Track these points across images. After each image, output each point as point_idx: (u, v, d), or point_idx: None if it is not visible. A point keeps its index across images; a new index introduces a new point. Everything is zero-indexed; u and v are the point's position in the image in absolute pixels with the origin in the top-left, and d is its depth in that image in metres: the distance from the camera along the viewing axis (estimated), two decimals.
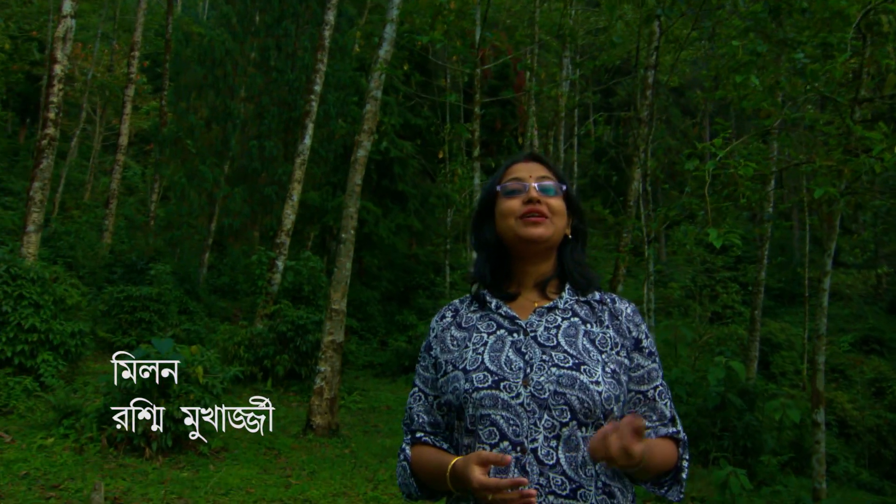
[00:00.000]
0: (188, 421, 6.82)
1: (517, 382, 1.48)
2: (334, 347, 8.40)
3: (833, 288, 18.85)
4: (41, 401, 7.70)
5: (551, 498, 1.41)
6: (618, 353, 1.55)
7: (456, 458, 1.47)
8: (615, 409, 1.48)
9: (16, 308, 8.35)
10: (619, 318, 1.61)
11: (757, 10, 5.89)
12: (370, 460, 7.50)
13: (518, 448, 1.44)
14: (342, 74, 14.34)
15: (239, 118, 13.97)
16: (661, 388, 1.60)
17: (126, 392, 6.78)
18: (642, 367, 1.58)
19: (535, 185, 1.61)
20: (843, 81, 6.20)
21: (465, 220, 16.64)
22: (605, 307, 1.63)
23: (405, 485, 1.63)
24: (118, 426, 6.69)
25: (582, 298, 1.63)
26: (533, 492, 1.36)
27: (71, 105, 26.64)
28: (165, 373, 6.74)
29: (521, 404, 1.46)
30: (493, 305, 1.63)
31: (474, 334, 1.60)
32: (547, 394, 1.45)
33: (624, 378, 1.54)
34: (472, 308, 1.68)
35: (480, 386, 1.49)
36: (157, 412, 6.70)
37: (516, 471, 1.42)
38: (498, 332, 1.58)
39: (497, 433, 1.46)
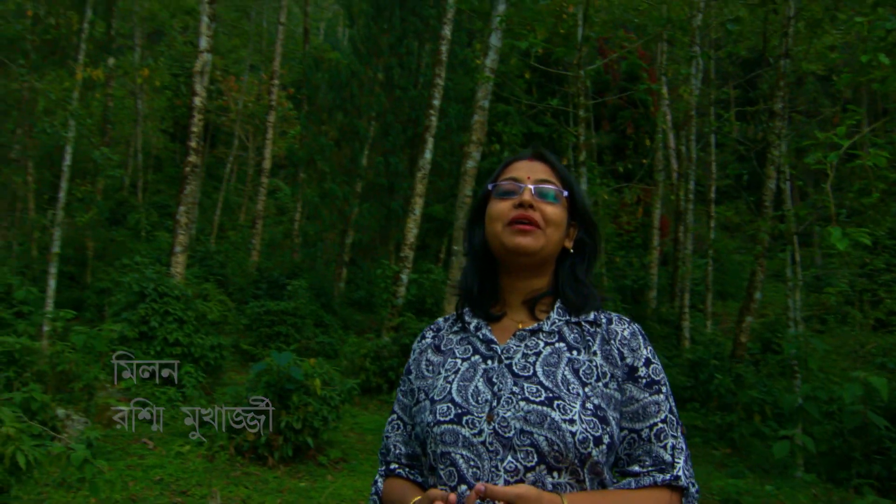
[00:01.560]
0: (307, 432, 7.10)
1: (481, 417, 1.30)
2: None
3: None
4: (182, 410, 8.27)
5: None
6: (605, 386, 1.33)
7: (416, 498, 1.33)
8: (594, 452, 1.26)
9: (162, 323, 9.09)
10: (612, 342, 1.38)
11: None
12: None
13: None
14: (463, 88, 14.48)
15: (367, 137, 14.45)
16: (660, 425, 1.33)
17: (251, 403, 7.16)
18: (637, 400, 1.35)
19: (532, 187, 1.41)
20: None
21: None
22: (597, 329, 1.40)
23: None
24: (244, 436, 7.08)
25: (573, 320, 1.41)
26: None
27: (226, 133, 28.92)
28: (285, 385, 7.07)
29: (483, 443, 1.28)
30: (472, 326, 1.45)
31: (449, 359, 1.44)
32: (512, 432, 1.26)
33: (613, 415, 1.32)
34: (455, 328, 1.51)
35: (442, 419, 1.33)
36: (278, 423, 7.01)
37: None
38: (472, 359, 1.40)
39: (456, 475, 1.29)
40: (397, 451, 1.50)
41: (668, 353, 11.88)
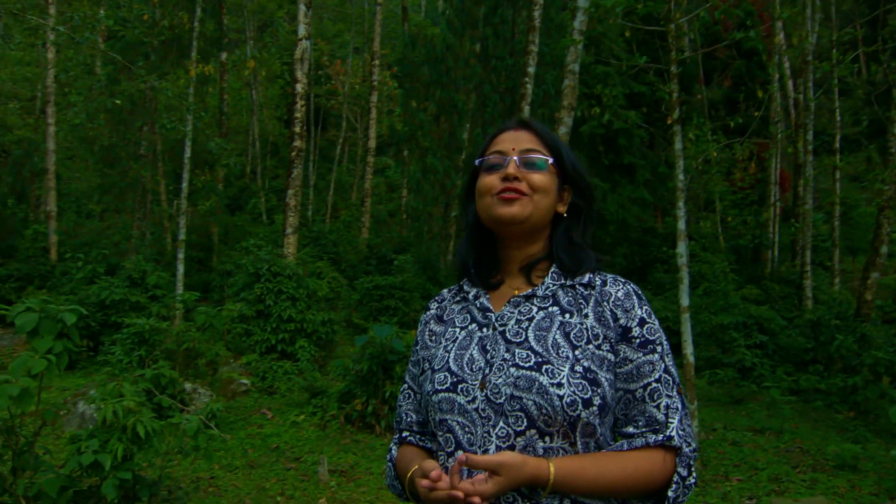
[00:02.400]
0: None
1: (475, 385, 1.33)
2: None
3: None
4: (297, 382, 8.77)
5: None
6: (598, 348, 1.33)
7: (413, 470, 1.36)
8: (584, 414, 1.27)
9: (276, 301, 9.63)
10: (605, 303, 1.37)
11: None
12: None
13: None
14: (560, 52, 14.15)
15: (465, 110, 14.49)
16: (654, 385, 1.32)
17: (358, 375, 7.50)
18: (630, 360, 1.34)
19: (516, 158, 1.42)
20: None
21: (702, 187, 15.53)
22: (591, 292, 1.40)
23: (392, 486, 1.52)
24: (353, 405, 7.44)
25: (568, 283, 1.42)
26: (457, 495, 1.19)
27: (335, 116, 29.82)
28: (388, 357, 7.34)
29: (476, 409, 1.31)
30: (471, 295, 1.49)
31: (449, 329, 1.48)
32: (503, 398, 1.29)
33: (606, 377, 1.32)
34: (457, 299, 1.54)
35: (439, 388, 1.37)
36: (384, 393, 7.31)
37: (467, 483, 1.22)
38: (469, 327, 1.43)
39: (452, 441, 1.33)
40: (409, 420, 1.54)
41: (787, 314, 11.27)
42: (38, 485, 3.48)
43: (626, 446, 1.31)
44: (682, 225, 6.51)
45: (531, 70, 11.62)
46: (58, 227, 14.36)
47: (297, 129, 11.13)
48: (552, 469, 1.22)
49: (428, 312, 1.58)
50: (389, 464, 1.54)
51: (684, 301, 6.50)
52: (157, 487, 4.18)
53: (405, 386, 1.58)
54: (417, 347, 1.55)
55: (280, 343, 9.41)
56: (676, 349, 10.77)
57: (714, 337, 10.14)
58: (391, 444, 1.58)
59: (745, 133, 12.71)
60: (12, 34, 18.77)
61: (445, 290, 1.61)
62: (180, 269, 11.56)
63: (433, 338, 1.51)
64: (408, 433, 1.54)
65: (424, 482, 1.23)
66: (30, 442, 3.54)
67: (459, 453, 1.29)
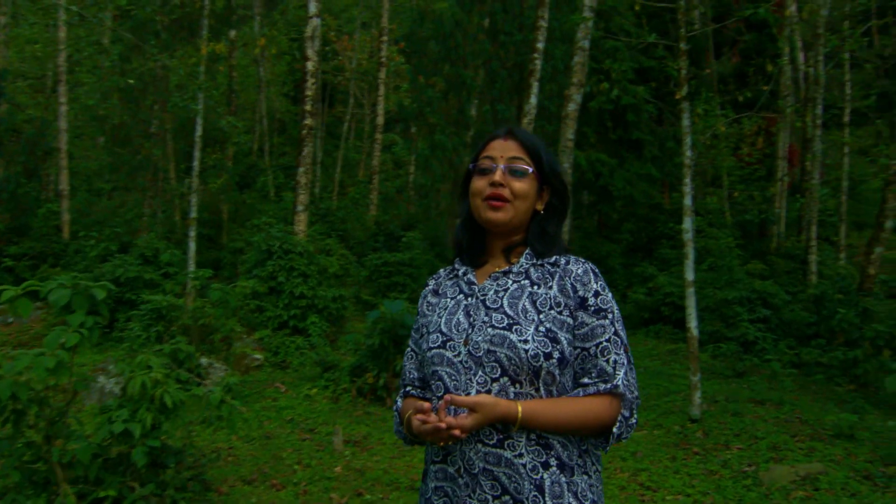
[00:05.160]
0: None
1: (460, 342, 1.65)
2: None
3: None
4: (309, 357, 8.97)
5: (479, 446, 1.56)
6: (559, 313, 1.63)
7: (411, 411, 1.65)
8: (545, 365, 1.57)
9: (288, 278, 9.81)
10: (566, 278, 1.67)
11: None
12: None
13: None
14: (569, 27, 14.12)
15: (473, 86, 14.51)
16: (605, 344, 1.62)
17: (369, 349, 7.68)
18: (586, 324, 1.63)
19: (503, 167, 1.71)
20: None
21: (710, 162, 15.52)
22: (556, 269, 1.70)
23: (398, 432, 1.83)
24: (365, 379, 7.63)
25: (538, 262, 1.72)
26: (442, 426, 1.49)
27: (342, 92, 29.78)
28: (398, 332, 7.51)
29: (461, 362, 1.63)
30: (461, 272, 1.80)
31: (442, 300, 1.79)
32: (481, 352, 1.60)
33: (565, 336, 1.61)
34: (450, 276, 1.85)
35: (433, 346, 1.69)
36: (394, 366, 7.49)
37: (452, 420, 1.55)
38: (457, 297, 1.75)
39: (442, 387, 1.65)
40: (411, 376, 1.85)
41: (791, 288, 11.38)
42: (71, 452, 3.68)
43: (581, 393, 1.62)
44: (688, 200, 6.61)
45: (540, 46, 11.63)
46: (70, 205, 14.54)
47: (308, 108, 11.21)
48: (520, 409, 1.53)
49: (426, 288, 1.90)
50: (395, 413, 1.85)
51: (689, 276, 6.63)
52: (182, 455, 4.38)
53: (408, 349, 1.91)
54: (418, 316, 1.88)
55: (292, 319, 9.60)
56: (681, 323, 10.94)
57: (718, 312, 10.27)
58: (397, 398, 1.89)
59: (753, 107, 12.72)
60: (24, 14, 18.79)
61: (442, 269, 1.94)
62: (192, 246, 11.72)
63: (430, 308, 1.83)
64: (410, 387, 1.85)
65: (417, 416, 1.55)
66: (62, 411, 3.73)
67: (419, 402, 1.62)
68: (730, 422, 6.57)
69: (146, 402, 3.97)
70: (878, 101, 13.48)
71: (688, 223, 6.63)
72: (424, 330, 1.79)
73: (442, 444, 1.57)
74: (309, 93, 11.35)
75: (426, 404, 1.56)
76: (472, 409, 1.50)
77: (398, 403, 1.86)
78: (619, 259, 14.39)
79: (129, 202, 16.20)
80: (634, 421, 1.64)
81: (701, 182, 16.16)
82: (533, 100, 11.77)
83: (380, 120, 19.27)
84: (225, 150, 16.61)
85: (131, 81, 12.04)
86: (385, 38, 19.47)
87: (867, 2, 14.05)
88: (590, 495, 1.60)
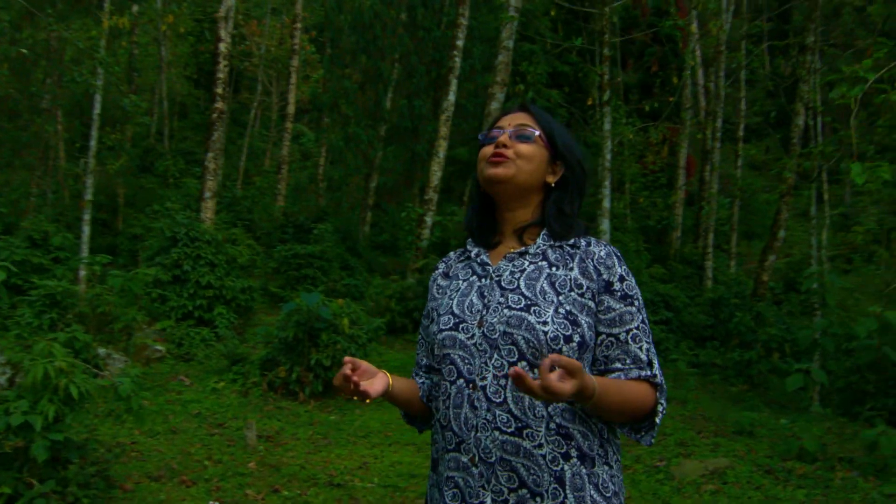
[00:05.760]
0: (336, 369, 7.37)
1: (473, 324, 1.55)
2: None
3: None
4: (216, 349, 8.60)
5: (496, 433, 1.47)
6: (580, 295, 1.53)
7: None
8: (565, 348, 1.47)
9: (195, 267, 9.37)
10: (588, 260, 1.58)
11: None
12: None
13: (470, 385, 1.52)
14: (487, 27, 14.27)
15: (390, 79, 14.38)
16: (635, 331, 1.55)
17: (282, 342, 7.44)
18: (613, 309, 1.55)
19: (509, 131, 1.64)
20: None
21: (615, 168, 16.05)
22: (576, 251, 1.60)
23: (405, 416, 1.81)
24: (277, 372, 7.38)
25: (556, 244, 1.62)
26: (355, 380, 1.45)
27: (249, 79, 28.82)
28: (314, 325, 7.32)
29: (475, 344, 1.53)
30: (473, 254, 1.71)
31: (454, 282, 1.71)
32: (497, 334, 1.50)
33: (586, 320, 1.52)
34: (461, 258, 1.77)
35: (444, 328, 1.60)
36: (309, 360, 7.29)
37: (467, 406, 1.51)
38: (470, 279, 1.66)
39: (455, 371, 1.55)
40: (420, 363, 1.80)
41: (690, 293, 11.94)
42: None
43: (623, 377, 1.52)
44: (606, 203, 6.79)
45: (460, 43, 11.69)
46: None
47: (220, 91, 10.76)
48: (596, 384, 1.35)
49: (436, 271, 1.81)
50: None
51: None
52: (86, 450, 4.07)
53: (420, 336, 1.81)
54: (428, 300, 1.78)
55: (197, 309, 9.17)
56: None
57: None
58: None
59: (658, 118, 13.26)
60: None
61: (452, 252, 1.84)
62: (86, 230, 10.97)
63: (440, 290, 1.75)
64: (415, 374, 1.80)
65: (345, 368, 1.45)
66: None
67: (461, 381, 1.53)
68: None
69: (49, 392, 3.65)
70: (779, 116, 14.35)
71: (605, 225, 6.81)
72: (434, 314, 1.70)
73: (356, 398, 1.50)
74: (220, 76, 10.89)
75: (359, 361, 1.51)
76: (572, 372, 1.27)
77: None
78: None
79: (15, 181, 15.02)
80: (664, 410, 1.56)
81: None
82: (451, 97, 11.81)
83: (290, 109, 18.76)
84: (124, 130, 15.68)
85: (24, 51, 11.14)
86: (299, 25, 18.97)
87: (761, 24, 14.93)
88: (611, 486, 1.52)
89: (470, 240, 1.75)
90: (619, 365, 1.54)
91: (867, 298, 12.80)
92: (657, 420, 1.52)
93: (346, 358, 1.47)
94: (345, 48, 14.80)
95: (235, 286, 9.55)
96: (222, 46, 10.80)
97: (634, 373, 1.52)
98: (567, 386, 1.27)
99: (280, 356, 7.48)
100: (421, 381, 1.76)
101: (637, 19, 19.44)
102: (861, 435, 5.27)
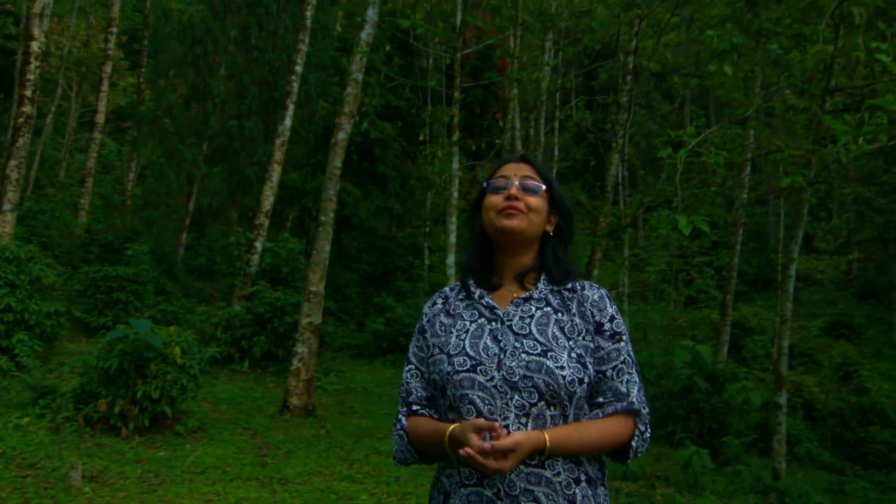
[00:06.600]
0: (165, 402, 6.88)
1: (492, 367, 1.65)
2: (312, 329, 8.44)
3: (805, 273, 19.16)
4: (17, 380, 7.67)
5: (521, 467, 1.59)
6: (583, 338, 1.70)
7: (452, 426, 1.64)
8: (579, 390, 1.64)
9: None
10: (585, 304, 1.75)
11: None
12: (346, 440, 7.59)
13: None
14: (323, 54, 14.24)
15: (219, 97, 13.84)
16: (619, 366, 1.72)
17: (103, 372, 6.81)
18: (603, 348, 1.72)
19: (517, 182, 1.77)
20: (816, 72, 6.31)
21: (444, 203, 16.68)
22: (574, 295, 1.77)
23: (401, 451, 1.79)
24: (95, 406, 6.73)
25: (556, 289, 1.78)
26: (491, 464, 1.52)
27: (47, 81, 26.18)
28: (143, 354, 6.79)
29: (495, 386, 1.63)
30: (476, 295, 1.80)
31: (458, 321, 1.78)
32: (517, 377, 1.62)
33: (590, 360, 1.69)
34: (460, 297, 1.85)
35: (460, 369, 1.67)
36: (135, 393, 6.74)
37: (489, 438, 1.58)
38: (479, 321, 1.75)
39: (474, 411, 1.64)
40: (418, 395, 1.81)
41: None
42: None
43: (600, 414, 1.69)
44: (453, 238, 7.05)
45: (299, 69, 11.61)
46: None
47: (29, 94, 9.70)
48: (548, 439, 1.59)
49: (435, 307, 1.87)
50: (401, 431, 1.79)
51: None
52: None
53: (411, 367, 1.85)
54: (426, 335, 1.84)
55: None
56: None
57: None
58: (399, 416, 1.82)
59: (480, 157, 14.03)
60: None
61: (447, 289, 1.92)
62: None
63: (443, 328, 1.81)
64: (417, 406, 1.80)
65: (488, 443, 1.53)
66: None
67: (480, 419, 1.59)
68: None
69: None
70: (585, 163, 15.73)
71: (450, 259, 7.06)
72: (437, 350, 1.77)
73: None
74: (31, 77, 9.85)
75: (495, 424, 1.55)
76: (510, 449, 1.52)
77: (403, 422, 1.80)
78: (356, 288, 14.65)
79: None
80: (649, 435, 1.74)
81: (433, 222, 17.22)
82: (287, 121, 11.66)
83: (101, 118, 17.34)
84: None
85: None
86: (114, 29, 17.67)
87: (572, 79, 16.39)
88: None
89: (472, 281, 1.83)
90: (601, 399, 1.71)
91: (656, 331, 14.32)
92: (633, 446, 1.70)
93: (489, 443, 1.52)
94: (169, 60, 14.02)
95: (40, 310, 8.60)
96: (35, 45, 9.80)
97: (611, 408, 1.69)
98: (507, 463, 1.51)
99: (99, 388, 6.83)
100: (434, 415, 1.78)
101: (462, 62, 20.43)
102: (676, 456, 5.91)
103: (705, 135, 5.54)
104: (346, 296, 14.02)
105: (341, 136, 8.14)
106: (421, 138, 15.36)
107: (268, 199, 11.53)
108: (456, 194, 7.27)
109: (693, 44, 11.21)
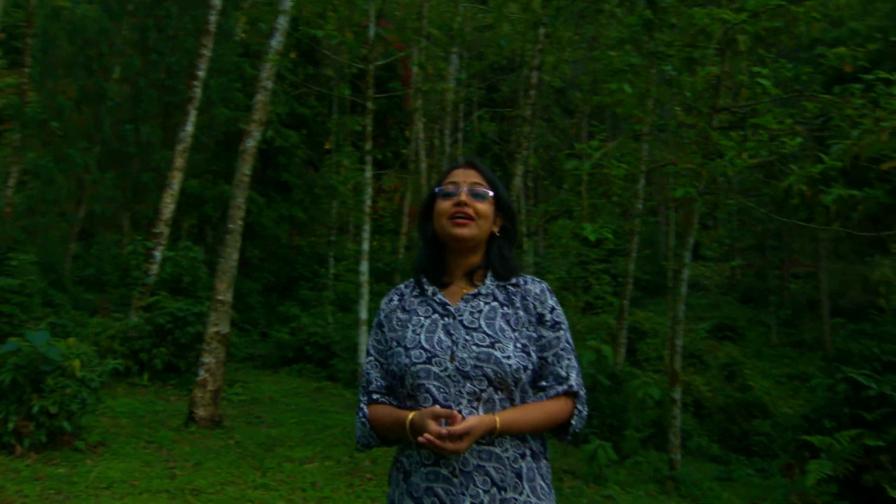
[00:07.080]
0: (63, 416, 6.57)
1: (446, 358, 1.82)
2: (219, 339, 8.27)
3: (693, 279, 20.41)
4: None
5: (474, 445, 1.76)
6: (527, 329, 1.89)
7: (412, 414, 1.79)
8: (523, 376, 1.83)
9: None
10: (528, 298, 1.93)
11: (632, 22, 6.41)
12: (256, 450, 7.47)
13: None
14: (225, 60, 13.93)
15: (113, 100, 13.28)
16: (559, 352, 1.91)
17: None
18: (544, 337, 1.91)
19: (466, 189, 1.92)
20: (704, 92, 6.85)
21: (349, 212, 16.66)
22: (518, 290, 1.95)
23: (364, 436, 1.94)
24: None
25: (501, 284, 1.95)
26: (443, 431, 1.70)
27: None
28: (39, 367, 6.47)
29: (449, 376, 1.81)
30: (429, 292, 1.96)
31: (414, 317, 1.94)
32: (469, 367, 1.80)
33: (533, 349, 1.88)
34: (415, 293, 2.00)
35: (417, 361, 1.84)
36: (30, 408, 6.40)
37: (445, 426, 1.73)
38: (433, 317, 1.91)
39: (430, 398, 1.81)
40: (378, 384, 1.95)
41: None
42: None
43: (543, 397, 1.89)
44: (366, 246, 7.14)
45: (202, 74, 11.37)
46: None
47: None
48: (498, 421, 1.78)
49: (392, 303, 2.02)
50: (363, 419, 1.93)
51: (363, 315, 7.11)
52: None
53: (371, 358, 2.00)
54: (384, 329, 1.99)
55: None
56: (323, 363, 11.30)
57: None
58: (360, 405, 1.97)
59: (386, 166, 14.15)
60: None
61: (402, 286, 2.07)
62: None
63: (399, 323, 1.96)
64: (377, 395, 1.95)
65: (445, 428, 1.70)
66: None
67: (437, 406, 1.77)
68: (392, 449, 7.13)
69: None
70: (502, 175, 16.16)
71: (364, 266, 7.14)
72: (395, 344, 1.91)
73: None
74: None
75: (454, 412, 1.72)
76: (466, 433, 1.69)
77: (364, 410, 1.94)
78: (259, 298, 14.37)
79: None
80: (586, 413, 1.95)
81: (337, 230, 17.14)
82: (189, 127, 11.38)
83: None
84: None
85: None
86: None
87: (475, 91, 16.82)
88: (549, 476, 1.92)
89: (425, 279, 1.99)
90: (543, 383, 1.91)
91: None
92: (573, 424, 1.91)
93: (446, 429, 1.68)
94: (59, 60, 13.33)
95: None
96: None
97: (553, 391, 1.89)
98: (463, 445, 1.69)
99: None
100: (394, 403, 1.92)
101: (365, 73, 20.47)
102: (582, 450, 6.23)
103: (607, 148, 5.91)
104: (249, 305, 13.74)
105: (250, 144, 8.06)
106: (326, 146, 15.32)
107: (168, 206, 11.17)
108: (369, 202, 7.35)
109: (591, 62, 11.79)
